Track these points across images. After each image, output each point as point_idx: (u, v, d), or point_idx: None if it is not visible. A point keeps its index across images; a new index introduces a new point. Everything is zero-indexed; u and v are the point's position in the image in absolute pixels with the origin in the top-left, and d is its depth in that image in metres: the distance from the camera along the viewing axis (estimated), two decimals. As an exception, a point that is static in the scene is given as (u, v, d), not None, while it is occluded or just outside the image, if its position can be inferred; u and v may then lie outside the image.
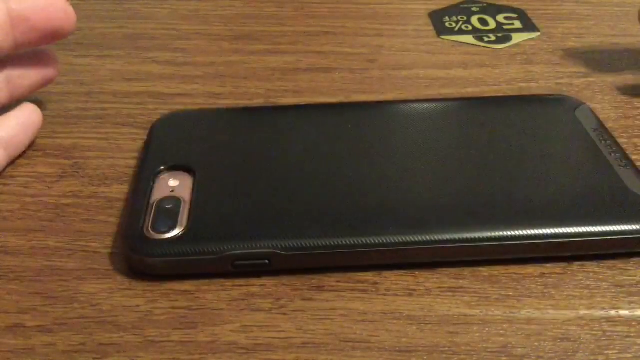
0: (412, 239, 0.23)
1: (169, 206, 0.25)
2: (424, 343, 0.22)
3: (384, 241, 0.23)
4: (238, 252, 0.23)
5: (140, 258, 0.23)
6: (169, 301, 0.23)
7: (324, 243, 0.23)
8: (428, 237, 0.23)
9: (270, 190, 0.26)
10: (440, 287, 0.24)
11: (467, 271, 0.24)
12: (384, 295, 0.23)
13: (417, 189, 0.26)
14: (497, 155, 0.28)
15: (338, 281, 0.24)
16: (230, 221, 0.24)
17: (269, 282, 0.24)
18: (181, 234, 0.24)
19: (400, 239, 0.23)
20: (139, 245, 0.24)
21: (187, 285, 0.23)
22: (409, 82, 0.36)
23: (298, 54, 0.39)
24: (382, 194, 0.26)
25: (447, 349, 0.21)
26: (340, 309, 0.23)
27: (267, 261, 0.23)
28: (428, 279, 0.24)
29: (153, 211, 0.25)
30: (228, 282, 0.24)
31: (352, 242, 0.23)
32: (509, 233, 0.23)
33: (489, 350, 0.21)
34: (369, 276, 0.24)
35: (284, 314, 0.23)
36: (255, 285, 0.23)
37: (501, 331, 0.22)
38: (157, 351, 0.21)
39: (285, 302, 0.23)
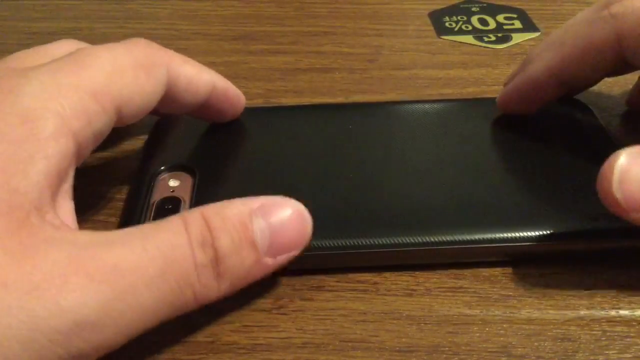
0: (415, 241, 0.23)
1: (169, 206, 0.25)
2: (424, 343, 0.22)
3: (385, 242, 0.23)
4: None
5: None
6: (169, 301, 0.23)
7: (323, 244, 0.23)
8: (431, 239, 0.23)
9: (270, 190, 0.26)
10: (440, 287, 0.24)
11: (467, 271, 0.24)
12: (384, 295, 0.23)
13: (418, 191, 0.26)
14: (505, 155, 0.28)
15: (338, 281, 0.24)
16: None
17: (268, 282, 0.24)
18: None
19: (400, 241, 0.23)
20: None
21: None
22: (409, 82, 0.36)
23: (298, 54, 0.39)
24: (383, 195, 0.25)
25: (447, 349, 0.21)
26: (340, 309, 0.23)
27: None
28: (428, 279, 0.24)
29: (153, 211, 0.25)
30: (228, 282, 0.24)
31: (352, 244, 0.23)
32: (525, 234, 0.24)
33: (489, 350, 0.21)
34: (369, 276, 0.24)
35: (284, 314, 0.23)
36: (255, 285, 0.23)
37: (501, 331, 0.22)
38: (157, 351, 0.21)
39: (285, 302, 0.23)
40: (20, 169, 0.19)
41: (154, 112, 0.26)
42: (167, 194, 0.26)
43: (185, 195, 0.26)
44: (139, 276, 0.18)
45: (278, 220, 0.21)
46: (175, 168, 0.27)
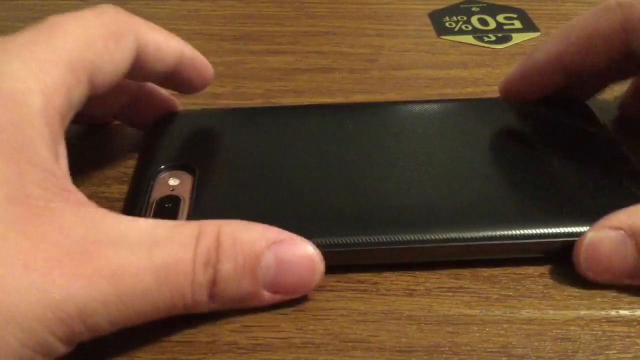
0: (413, 238, 0.23)
1: (169, 205, 0.25)
2: (424, 343, 0.22)
3: (383, 240, 0.23)
4: None
5: None
6: (169, 301, 0.23)
7: (322, 242, 0.23)
8: (432, 236, 0.23)
9: (270, 190, 0.26)
10: (440, 287, 0.24)
11: (467, 271, 0.24)
12: (384, 295, 0.23)
13: (417, 190, 0.26)
14: (505, 154, 0.28)
15: (338, 281, 0.24)
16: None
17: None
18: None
19: (400, 238, 0.23)
20: None
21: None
22: (409, 82, 0.36)
23: (298, 54, 0.39)
24: (383, 194, 0.25)
25: (447, 349, 0.21)
26: (340, 309, 0.23)
27: None
28: (428, 279, 0.24)
29: (152, 210, 0.25)
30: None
31: (350, 241, 0.23)
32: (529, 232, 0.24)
33: (489, 350, 0.21)
34: (369, 276, 0.24)
35: (284, 314, 0.23)
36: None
37: (501, 331, 0.22)
38: (157, 351, 0.21)
39: (285, 302, 0.23)
40: (25, 158, 0.20)
41: (129, 77, 0.26)
42: (167, 192, 0.26)
43: (185, 194, 0.26)
44: (139, 283, 0.19)
45: (288, 260, 0.22)
46: (175, 167, 0.27)
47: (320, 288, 0.23)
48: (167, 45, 0.26)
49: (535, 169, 0.27)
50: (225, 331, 0.22)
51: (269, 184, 0.26)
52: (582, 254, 0.23)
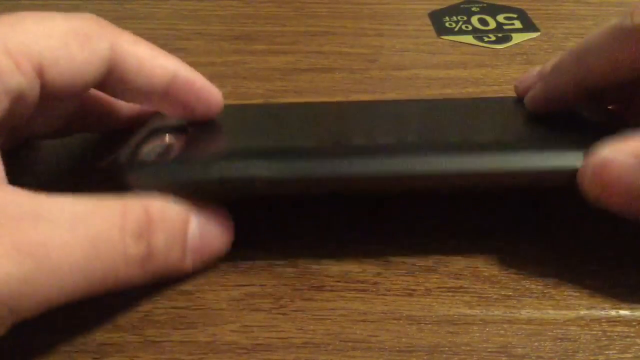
0: (402, 168, 0.23)
1: (160, 150, 0.25)
2: (424, 343, 0.22)
3: (369, 169, 0.23)
4: (227, 171, 0.23)
5: (131, 176, 0.23)
6: (168, 301, 0.23)
7: (309, 168, 0.23)
8: (423, 166, 0.23)
9: (262, 135, 0.26)
10: (440, 287, 0.24)
11: (467, 271, 0.24)
12: (384, 295, 0.23)
13: (409, 133, 0.26)
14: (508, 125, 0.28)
15: (338, 281, 0.24)
16: (221, 151, 0.25)
17: (269, 282, 0.24)
18: (172, 159, 0.24)
19: (387, 168, 0.23)
20: (128, 165, 0.24)
21: (187, 285, 0.23)
22: (409, 82, 0.37)
23: (298, 54, 0.39)
24: (377, 136, 0.26)
25: (447, 349, 0.21)
26: (340, 309, 0.23)
27: (255, 182, 0.23)
28: (428, 279, 0.24)
29: (143, 152, 0.25)
30: (228, 282, 0.24)
31: (332, 169, 0.23)
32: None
33: (489, 350, 0.21)
34: (369, 276, 0.24)
35: (284, 314, 0.23)
36: (255, 285, 0.24)
37: (501, 331, 0.22)
38: (157, 351, 0.21)
39: (285, 302, 0.23)
40: None
41: (113, 95, 0.26)
42: (160, 142, 0.26)
43: (177, 144, 0.25)
44: (64, 258, 0.18)
45: (210, 226, 0.22)
46: (169, 127, 0.27)
47: (320, 288, 0.23)
48: (153, 62, 0.24)
49: (537, 127, 0.27)
50: (225, 331, 0.22)
51: (252, 134, 0.27)
52: (590, 169, 0.22)
